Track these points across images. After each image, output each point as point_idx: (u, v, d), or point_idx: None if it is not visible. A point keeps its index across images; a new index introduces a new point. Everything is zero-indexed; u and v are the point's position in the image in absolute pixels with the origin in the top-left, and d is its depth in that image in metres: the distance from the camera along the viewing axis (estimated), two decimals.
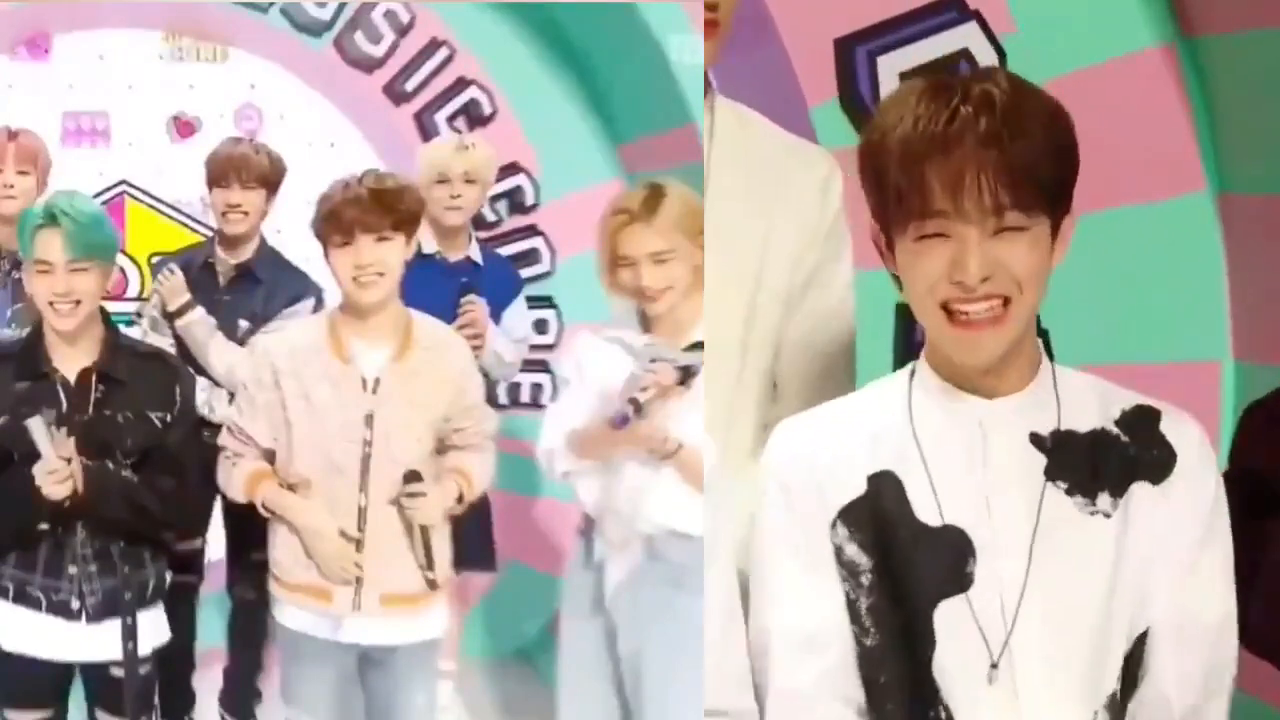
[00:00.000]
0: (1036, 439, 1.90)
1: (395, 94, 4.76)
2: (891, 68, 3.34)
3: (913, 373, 1.98)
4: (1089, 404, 1.93)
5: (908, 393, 1.96)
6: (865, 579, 1.91)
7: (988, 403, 1.90)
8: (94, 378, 2.79)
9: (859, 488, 1.92)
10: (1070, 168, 1.84)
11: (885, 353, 3.24)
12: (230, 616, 3.82)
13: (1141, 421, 1.92)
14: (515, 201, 4.78)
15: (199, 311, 3.64)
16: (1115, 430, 1.91)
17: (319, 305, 3.58)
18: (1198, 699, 1.87)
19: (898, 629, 1.89)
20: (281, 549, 2.86)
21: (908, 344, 3.22)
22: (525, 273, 4.45)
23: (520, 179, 4.75)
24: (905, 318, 3.19)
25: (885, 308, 3.09)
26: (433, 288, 3.44)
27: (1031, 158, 1.76)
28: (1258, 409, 2.25)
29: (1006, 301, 1.80)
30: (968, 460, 1.89)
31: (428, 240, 3.70)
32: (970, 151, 1.74)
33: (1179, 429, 1.91)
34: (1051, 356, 1.97)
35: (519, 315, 4.04)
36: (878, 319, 3.10)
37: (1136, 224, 3.14)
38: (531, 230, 4.80)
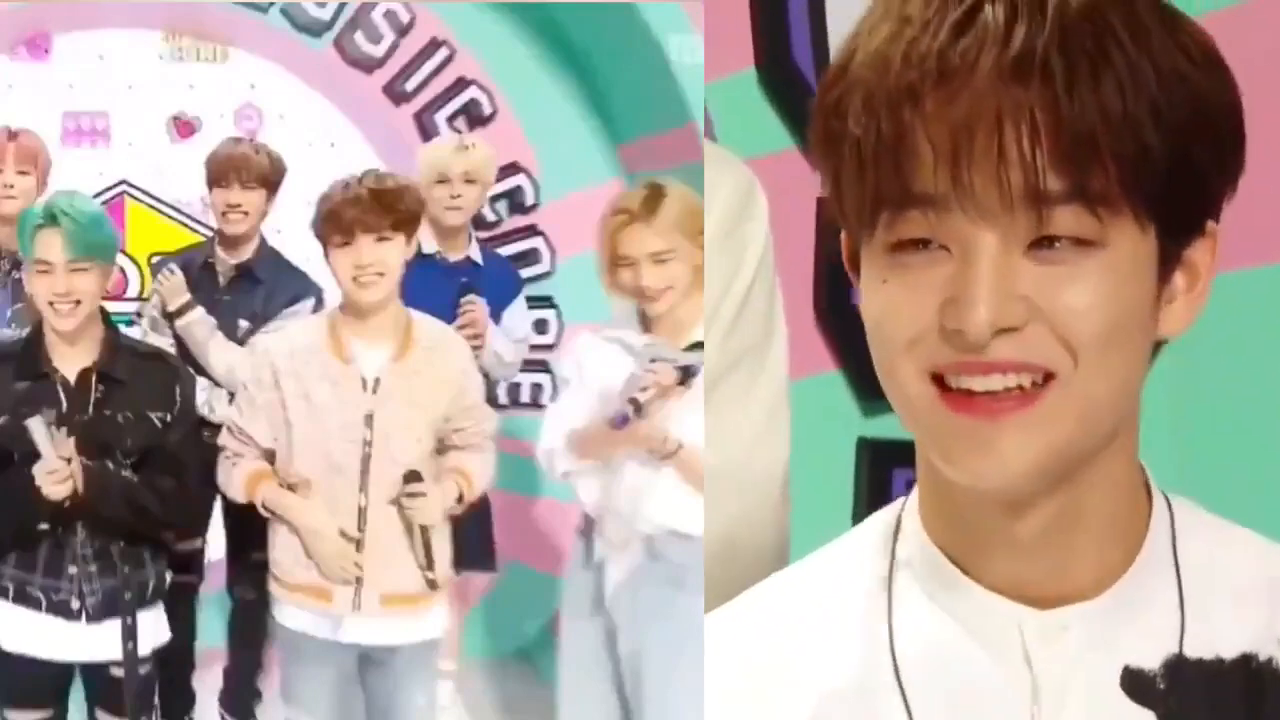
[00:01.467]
0: (1136, 681, 1.01)
1: (395, 94, 4.75)
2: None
3: (895, 535, 1.12)
4: (1239, 598, 1.04)
5: (884, 578, 1.10)
6: None
7: (1036, 614, 1.04)
8: (94, 378, 2.79)
9: None
10: (1214, 145, 0.99)
11: (840, 508, 2.34)
12: (230, 616, 3.81)
13: None
14: (515, 201, 4.77)
15: (199, 311, 3.64)
16: None
17: (319, 305, 3.58)
18: None
19: None
20: (281, 549, 2.86)
21: (875, 494, 2.14)
22: (525, 273, 4.45)
23: (520, 179, 4.74)
24: (872, 454, 2.27)
25: (841, 435, 2.25)
26: (433, 288, 3.43)
27: (1118, 112, 0.93)
28: None
29: (1045, 379, 0.97)
30: None
31: (428, 240, 3.69)
32: (989, 86, 0.93)
33: None
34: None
35: (519, 315, 4.04)
36: (828, 452, 2.15)
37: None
38: (531, 230, 4.79)
